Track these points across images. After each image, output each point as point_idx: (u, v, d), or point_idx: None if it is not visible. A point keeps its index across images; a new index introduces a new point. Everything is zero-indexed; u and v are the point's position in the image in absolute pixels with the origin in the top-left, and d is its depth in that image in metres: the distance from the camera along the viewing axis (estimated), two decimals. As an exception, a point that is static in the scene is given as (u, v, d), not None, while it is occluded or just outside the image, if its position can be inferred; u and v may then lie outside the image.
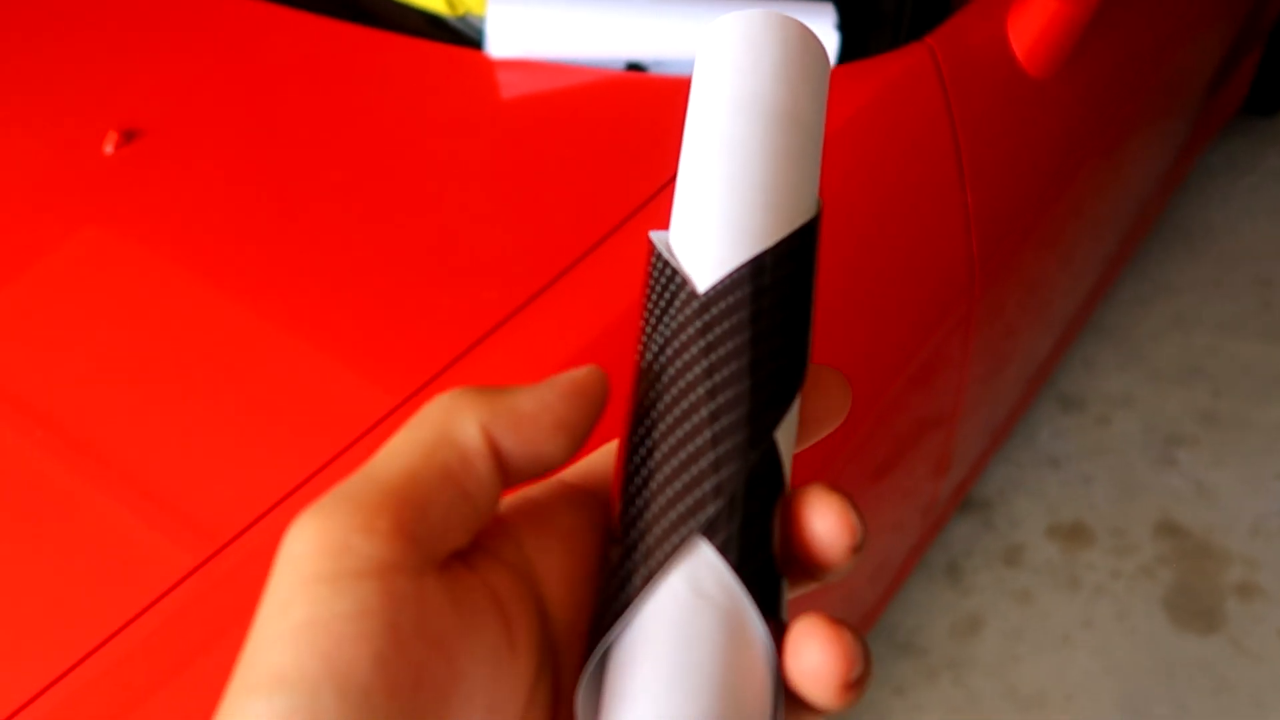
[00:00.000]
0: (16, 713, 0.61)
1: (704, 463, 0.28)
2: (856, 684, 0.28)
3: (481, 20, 0.95)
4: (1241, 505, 1.52)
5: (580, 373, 0.30)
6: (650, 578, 0.27)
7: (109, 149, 0.86)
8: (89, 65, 0.97)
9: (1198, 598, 1.43)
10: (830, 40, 0.92)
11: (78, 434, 0.73)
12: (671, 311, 0.30)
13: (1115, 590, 1.45)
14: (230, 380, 0.74)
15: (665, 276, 0.30)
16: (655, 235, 0.32)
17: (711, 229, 0.31)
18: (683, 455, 0.28)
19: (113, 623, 0.64)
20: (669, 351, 0.30)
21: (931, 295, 0.98)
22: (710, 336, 0.29)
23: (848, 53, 0.93)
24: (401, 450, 0.27)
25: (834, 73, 0.92)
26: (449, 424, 0.28)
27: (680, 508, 0.28)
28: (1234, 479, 1.55)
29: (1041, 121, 1.10)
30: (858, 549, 0.29)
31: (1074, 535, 1.51)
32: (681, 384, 0.29)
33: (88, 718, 0.61)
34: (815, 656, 0.27)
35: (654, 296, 0.31)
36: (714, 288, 0.30)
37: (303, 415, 0.72)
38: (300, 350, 0.76)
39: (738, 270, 0.30)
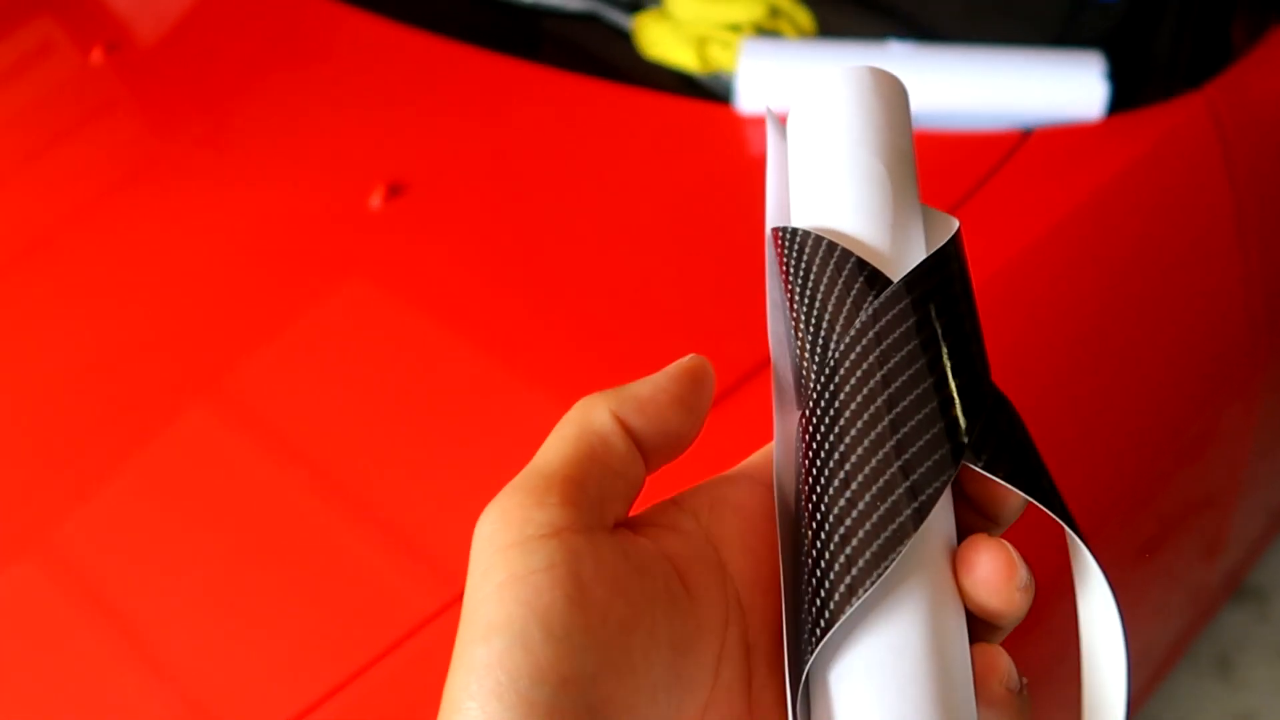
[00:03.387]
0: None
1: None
2: (1026, 588, 0.32)
3: (732, 76, 0.95)
4: None
5: (685, 359, 0.36)
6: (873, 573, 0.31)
7: (375, 203, 0.90)
8: (360, 122, 1.03)
9: None
10: (1099, 90, 0.87)
11: (336, 477, 0.76)
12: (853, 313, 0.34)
13: None
14: (486, 432, 0.77)
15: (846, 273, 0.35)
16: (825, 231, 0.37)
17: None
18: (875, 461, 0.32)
19: (359, 660, 0.66)
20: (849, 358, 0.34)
21: (1210, 362, 0.91)
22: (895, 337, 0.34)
23: (1118, 103, 0.88)
24: (553, 445, 0.34)
25: (1103, 125, 0.88)
26: (586, 417, 0.34)
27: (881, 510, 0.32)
28: None
29: (1336, 177, 1.01)
30: (1024, 588, 0.33)
31: (1366, 633, 1.36)
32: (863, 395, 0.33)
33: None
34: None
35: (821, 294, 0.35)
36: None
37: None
38: (554, 405, 0.77)
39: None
